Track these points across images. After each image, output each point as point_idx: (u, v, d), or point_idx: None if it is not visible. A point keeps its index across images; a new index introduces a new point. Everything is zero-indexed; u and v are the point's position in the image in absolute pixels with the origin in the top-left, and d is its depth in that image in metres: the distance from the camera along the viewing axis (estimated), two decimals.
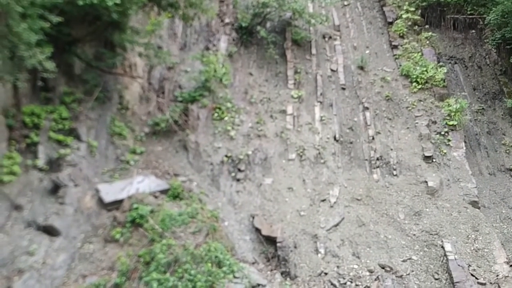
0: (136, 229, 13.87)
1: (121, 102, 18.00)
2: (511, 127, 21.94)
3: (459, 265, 14.57)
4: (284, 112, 19.91)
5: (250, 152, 18.14)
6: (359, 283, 14.43)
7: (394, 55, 23.05)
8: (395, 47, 23.31)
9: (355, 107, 20.82)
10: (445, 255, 15.03)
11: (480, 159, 20.76)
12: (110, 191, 15.04)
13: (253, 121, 19.35)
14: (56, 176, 14.01)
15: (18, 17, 11.01)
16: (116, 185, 15.37)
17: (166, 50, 19.56)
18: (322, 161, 18.54)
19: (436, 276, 14.73)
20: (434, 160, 18.79)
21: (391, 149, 19.24)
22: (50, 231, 13.08)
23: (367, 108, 20.59)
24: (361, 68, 22.25)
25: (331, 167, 18.51)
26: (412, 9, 24.69)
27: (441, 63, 22.69)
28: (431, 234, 16.06)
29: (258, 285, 13.39)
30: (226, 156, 18.01)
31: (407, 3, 25.03)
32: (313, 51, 22.74)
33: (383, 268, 15.02)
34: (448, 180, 18.24)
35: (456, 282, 14.03)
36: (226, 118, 19.07)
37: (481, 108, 22.52)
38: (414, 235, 16.17)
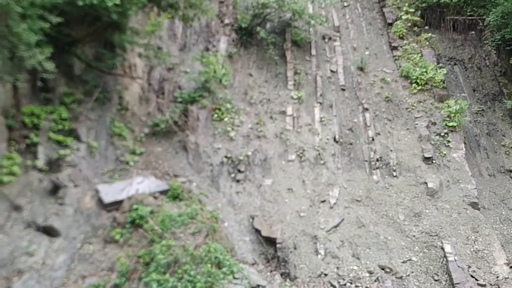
0: (135, 229, 13.86)
1: (121, 103, 17.99)
2: (511, 128, 21.93)
3: (459, 266, 14.56)
4: (284, 113, 19.90)
5: (250, 153, 18.13)
6: (359, 284, 14.41)
7: (394, 56, 23.04)
8: (395, 48, 23.31)
9: (355, 108, 20.82)
10: (445, 256, 15.02)
11: (480, 160, 20.77)
12: (110, 192, 15.02)
13: (253, 122, 19.34)
14: (55, 177, 14.00)
15: (18, 17, 11.01)
16: (115, 185, 15.36)
17: (166, 51, 19.55)
18: (322, 162, 18.54)
19: (436, 277, 14.72)
20: (434, 161, 18.78)
21: (391, 150, 19.23)
22: (50, 231, 13.07)
23: (366, 109, 20.58)
24: (361, 69, 22.25)
25: (331, 168, 18.51)
26: (412, 10, 24.70)
27: (440, 64, 22.69)
28: (431, 235, 16.05)
29: (258, 286, 13.37)
30: (225, 157, 18.00)
31: (406, 4, 25.04)
32: (313, 52, 22.74)
33: (383, 269, 15.00)
34: (448, 181, 18.23)
35: (456, 284, 14.02)
36: (226, 119, 19.06)
37: (480, 109, 22.53)
38: (414, 236, 16.16)
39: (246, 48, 22.47)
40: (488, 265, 15.30)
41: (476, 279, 14.60)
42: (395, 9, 25.16)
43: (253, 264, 14.88)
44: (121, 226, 14.04)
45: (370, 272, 14.83)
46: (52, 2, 11.82)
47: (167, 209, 14.35)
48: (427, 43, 23.56)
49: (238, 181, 17.56)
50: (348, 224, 16.57)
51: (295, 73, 21.61)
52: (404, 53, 22.94)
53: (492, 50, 24.24)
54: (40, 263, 12.34)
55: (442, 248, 15.39)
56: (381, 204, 17.39)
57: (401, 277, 14.70)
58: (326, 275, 14.71)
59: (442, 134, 19.57)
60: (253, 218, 16.31)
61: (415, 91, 21.11)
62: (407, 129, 19.98)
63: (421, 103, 20.67)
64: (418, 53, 22.67)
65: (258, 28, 21.94)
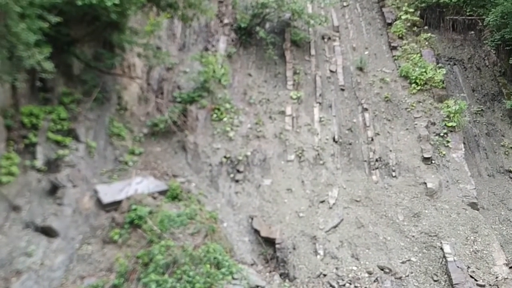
0: (134, 230, 13.85)
1: (119, 103, 17.97)
2: (510, 129, 21.91)
3: (458, 266, 14.55)
4: (283, 113, 19.88)
5: (249, 153, 18.11)
6: (358, 285, 14.40)
7: (393, 56, 23.01)
8: (394, 48, 23.28)
9: (354, 108, 20.80)
10: (444, 256, 15.01)
11: (479, 160, 20.75)
12: (109, 192, 15.01)
13: (252, 122, 19.32)
14: (54, 177, 13.98)
15: (16, 17, 11.00)
16: (114, 186, 15.34)
17: (165, 51, 19.52)
18: (321, 162, 18.52)
19: (435, 278, 14.71)
20: (433, 161, 18.77)
21: (390, 151, 19.21)
22: (48, 232, 13.05)
23: (366, 109, 20.57)
24: (360, 69, 22.23)
25: (330, 168, 18.49)
26: (411, 10, 24.67)
27: (440, 64, 22.67)
28: (430, 236, 16.04)
29: (257, 286, 13.38)
30: (225, 157, 17.98)
31: (406, 4, 25.00)
32: (312, 52, 22.72)
33: (382, 269, 15.00)
34: (447, 181, 18.22)
35: (455, 284, 14.01)
36: (225, 119, 19.04)
37: (480, 109, 22.51)
38: (413, 236, 16.15)
39: (246, 48, 22.44)
40: (487, 266, 15.30)
41: (475, 280, 14.59)
42: (395, 9, 25.13)
43: (252, 264, 14.86)
44: (120, 226, 14.02)
45: (369, 273, 14.82)
46: (51, 1, 11.81)
47: (166, 210, 14.34)
48: (426, 43, 23.54)
49: (237, 181, 17.54)
50: (347, 224, 16.56)
51: (295, 73, 21.59)
52: (404, 53, 22.91)
53: (492, 50, 24.22)
54: (38, 263, 12.33)
55: (442, 249, 15.38)
56: (380, 205, 17.38)
57: (400, 278, 14.69)
58: (325, 275, 14.71)
59: (442, 134, 19.56)
60: (252, 219, 16.29)
61: (414, 91, 21.10)
62: (407, 129, 19.96)
63: (421, 103, 20.65)
64: (417, 53, 22.65)
65: (258, 28, 21.91)
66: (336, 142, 19.47)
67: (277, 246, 15.19)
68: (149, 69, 19.95)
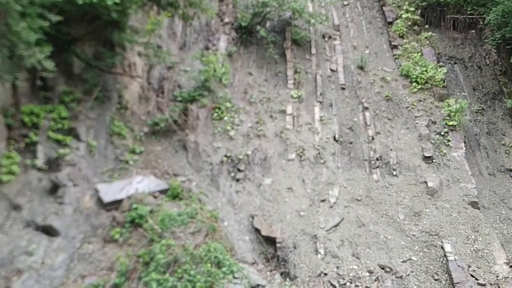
0: (135, 229, 13.84)
1: (120, 102, 17.96)
2: (511, 128, 21.89)
3: (459, 266, 14.55)
4: (283, 112, 19.88)
5: (249, 152, 18.11)
6: (359, 284, 14.40)
7: (394, 55, 23.01)
8: (395, 47, 23.27)
9: (355, 107, 20.79)
10: (445, 255, 15.01)
11: (480, 159, 20.74)
12: (109, 191, 15.00)
13: (253, 121, 19.31)
14: (55, 176, 13.97)
15: (17, 16, 10.98)
16: (115, 185, 15.34)
17: (165, 50, 19.51)
18: (321, 161, 18.51)
19: (436, 277, 14.71)
20: (434, 160, 18.76)
21: (391, 149, 19.21)
22: (49, 231, 13.04)
23: (366, 108, 20.56)
24: (361, 68, 22.22)
25: (330, 167, 18.49)
26: (412, 9, 24.65)
27: (441, 63, 22.65)
28: (431, 235, 16.04)
29: (258, 285, 13.37)
30: (225, 156, 17.98)
31: (407, 3, 24.98)
32: (313, 51, 22.70)
33: (383, 268, 14.99)
34: (448, 180, 18.21)
35: (456, 283, 14.01)
36: (225, 118, 19.03)
37: (481, 108, 22.49)
38: (414, 235, 16.15)
39: (246, 47, 22.43)
40: (488, 265, 15.29)
41: (476, 279, 14.59)
42: (395, 7, 25.12)
43: (253, 263, 14.85)
44: (121, 225, 14.01)
45: (370, 272, 14.82)
46: (51, 0, 11.80)
47: (166, 209, 14.33)
48: (427, 42, 23.53)
49: (237, 180, 17.55)
50: (348, 223, 16.56)
51: (295, 72, 21.58)
52: (404, 52, 22.90)
53: (492, 49, 24.20)
54: (39, 262, 12.31)
55: (442, 248, 15.38)
56: (381, 204, 17.38)
57: (401, 277, 14.69)
58: (326, 274, 14.71)
59: (442, 133, 19.55)
60: (253, 218, 16.29)
61: (415, 90, 21.09)
62: (407, 128, 19.95)
63: (421, 102, 20.65)
64: (418, 52, 22.64)
65: (258, 27, 21.91)
66: (336, 141, 19.47)
67: (277, 245, 15.20)
68: (149, 68, 19.95)
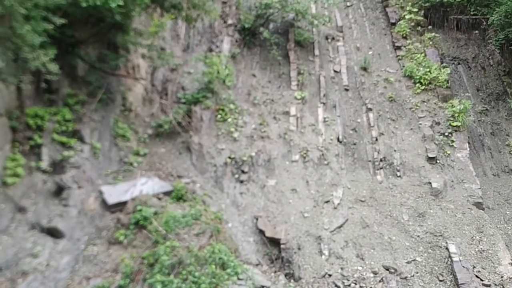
0: (139, 231, 13.86)
1: (124, 104, 18.00)
2: None
3: (463, 266, 14.52)
4: (287, 113, 19.89)
5: (253, 154, 18.12)
6: (364, 285, 14.38)
7: (397, 56, 22.99)
8: (398, 48, 23.26)
9: (359, 108, 20.78)
10: (450, 256, 14.98)
11: (484, 160, 20.68)
12: (114, 193, 15.03)
13: (256, 122, 19.32)
14: (59, 178, 14.01)
15: (21, 19, 11.03)
16: (119, 187, 15.37)
17: (169, 52, 19.56)
18: (325, 162, 18.51)
19: (441, 278, 14.67)
20: (438, 161, 18.73)
21: (395, 150, 19.19)
22: (54, 233, 13.08)
23: (370, 109, 20.54)
24: (364, 69, 22.21)
25: (334, 168, 18.48)
26: (415, 9, 24.63)
27: (444, 64, 22.62)
28: (435, 236, 16.01)
29: (262, 286, 13.38)
30: (229, 157, 18.00)
31: (410, 3, 24.97)
32: (316, 52, 22.72)
33: (387, 269, 14.97)
34: (452, 181, 18.18)
35: (461, 284, 13.98)
36: (229, 120, 19.05)
37: (484, 109, 22.45)
38: (418, 236, 16.12)
39: (249, 49, 22.46)
40: (493, 265, 15.25)
41: (481, 279, 14.54)
42: (398, 8, 25.10)
43: (257, 265, 14.86)
44: (125, 227, 14.03)
45: (375, 273, 14.79)
46: (55, 3, 11.82)
47: (171, 210, 14.34)
48: (430, 42, 23.51)
49: (241, 181, 17.56)
50: (352, 224, 16.54)
51: (299, 73, 21.59)
52: (408, 52, 22.88)
53: (496, 50, 24.14)
54: (44, 264, 12.35)
55: (447, 249, 15.35)
56: (385, 204, 17.36)
57: (405, 278, 14.66)
58: (330, 275, 14.70)
59: (446, 134, 19.52)
60: (257, 219, 16.29)
61: (418, 91, 21.07)
62: (411, 129, 19.93)
63: (425, 103, 20.63)
64: (421, 53, 22.62)
65: (261, 29, 21.95)
66: (340, 142, 19.46)
67: (282, 246, 15.20)
68: (153, 70, 20.01)
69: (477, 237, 16.14)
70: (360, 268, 15.01)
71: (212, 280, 12.27)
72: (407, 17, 24.33)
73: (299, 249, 15.31)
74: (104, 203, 14.76)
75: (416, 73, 21.52)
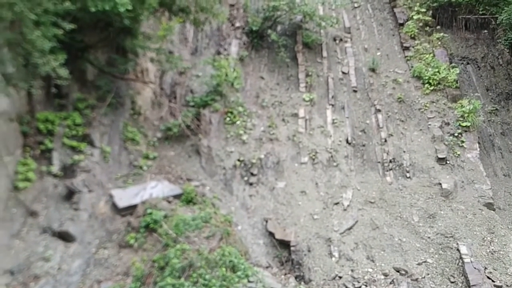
0: (150, 234, 13.91)
1: (133, 108, 18.09)
2: None
3: (475, 268, 14.43)
4: (296, 115, 19.89)
5: (262, 156, 18.14)
6: (374, 287, 14.32)
7: (406, 56, 22.91)
8: (407, 48, 23.18)
9: (367, 109, 20.73)
10: (461, 258, 14.89)
11: (494, 160, 20.55)
12: (124, 197, 15.10)
13: (265, 124, 19.34)
14: (70, 182, 14.10)
15: (31, 24, 11.12)
16: (129, 190, 15.43)
17: (177, 55, 19.62)
18: (334, 164, 18.48)
19: (452, 279, 14.59)
20: (447, 162, 18.64)
21: (404, 151, 19.12)
22: (65, 237, 13.17)
23: (379, 111, 20.49)
24: (373, 70, 22.16)
25: (343, 170, 18.45)
26: (423, 10, 24.52)
27: (453, 64, 22.51)
28: (446, 237, 15.93)
29: None
30: (238, 160, 18.02)
31: (418, 4, 24.86)
32: (324, 53, 22.71)
33: (398, 271, 14.91)
34: (462, 182, 18.08)
35: (473, 285, 13.88)
36: (238, 122, 19.09)
37: (494, 108, 22.31)
38: (429, 238, 16.04)
39: (257, 51, 22.49)
40: (505, 266, 15.14)
41: (492, 281, 14.42)
42: (406, 9, 25.01)
43: (267, 267, 14.84)
44: (136, 230, 14.09)
45: (385, 275, 14.74)
46: (65, 9, 11.90)
47: (181, 213, 14.39)
48: (439, 42, 23.40)
49: (251, 184, 17.57)
50: (362, 226, 16.50)
51: (307, 75, 21.59)
52: (416, 53, 22.80)
53: (505, 49, 23.99)
54: (56, 268, 12.44)
55: (458, 250, 15.25)
56: (395, 206, 17.30)
57: (416, 279, 14.58)
58: (340, 277, 14.65)
59: (456, 134, 19.42)
60: (266, 221, 16.29)
61: (427, 91, 20.98)
62: (420, 129, 19.85)
63: (434, 104, 20.54)
64: (430, 53, 22.53)
65: (269, 31, 21.98)
66: (349, 143, 19.42)
67: (292, 248, 15.19)
68: (162, 73, 20.08)
69: (488, 238, 16.04)
70: (370, 270, 14.96)
71: (223, 282, 12.28)
72: (415, 17, 24.24)
73: (309, 251, 15.30)
74: (114, 206, 14.83)
75: (425, 74, 21.43)
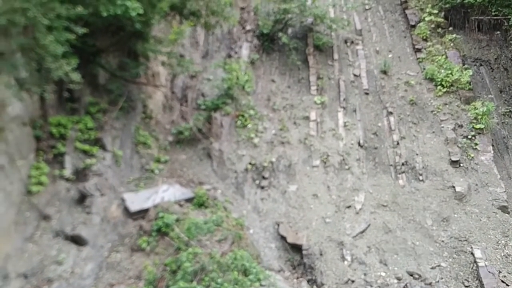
0: (162, 237, 13.94)
1: (145, 111, 18.17)
2: None
3: (489, 271, 14.27)
4: (307, 118, 19.84)
5: (274, 159, 18.11)
6: None
7: (418, 58, 22.75)
8: (419, 50, 23.02)
9: (379, 112, 20.61)
10: (475, 261, 14.73)
11: (508, 163, 20.28)
12: (136, 200, 15.14)
13: (277, 128, 19.31)
14: (82, 186, 14.17)
15: (44, 29, 11.19)
16: (141, 194, 15.48)
17: (188, 59, 19.69)
18: (346, 167, 18.40)
19: (466, 284, 14.43)
20: (461, 164, 18.46)
21: (417, 154, 18.98)
22: (78, 240, 13.23)
23: (391, 113, 20.37)
24: (384, 72, 22.04)
25: (355, 173, 18.35)
26: (435, 11, 24.34)
27: (466, 66, 22.29)
28: (460, 241, 15.77)
29: None
30: (250, 163, 18.00)
31: (430, 5, 24.68)
32: (335, 56, 22.63)
33: (411, 275, 14.78)
34: (476, 184, 17.89)
35: None
36: (249, 126, 19.07)
37: (508, 110, 22.03)
38: (443, 241, 15.89)
39: (268, 54, 22.48)
40: None
41: (507, 285, 14.23)
42: (418, 10, 24.85)
43: (279, 271, 14.81)
44: (148, 234, 14.13)
45: (398, 279, 14.62)
46: (77, 13, 11.96)
47: (192, 217, 14.41)
48: (451, 44, 23.21)
49: (262, 187, 17.54)
50: (375, 229, 16.39)
51: (318, 78, 21.53)
52: (428, 55, 22.64)
53: None
54: (69, 271, 12.50)
55: (472, 253, 15.09)
56: (407, 209, 17.16)
57: (430, 284, 14.45)
58: (353, 281, 14.56)
59: (469, 136, 19.24)
60: (278, 225, 16.25)
61: (440, 93, 20.81)
62: (433, 132, 19.69)
63: (447, 106, 20.37)
64: (442, 55, 22.34)
65: (280, 34, 21.96)
66: (361, 146, 19.32)
67: (304, 252, 15.14)
68: (173, 77, 20.17)
69: (503, 242, 15.85)
70: (383, 274, 14.85)
71: (235, 286, 12.27)
72: (427, 19, 24.06)
73: (321, 255, 15.22)
74: (126, 210, 14.88)
75: (437, 76, 21.26)
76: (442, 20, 24.35)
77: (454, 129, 19.48)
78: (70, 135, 14.63)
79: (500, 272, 14.63)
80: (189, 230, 13.72)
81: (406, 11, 24.98)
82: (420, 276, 14.70)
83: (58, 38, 11.62)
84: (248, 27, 23.14)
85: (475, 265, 14.72)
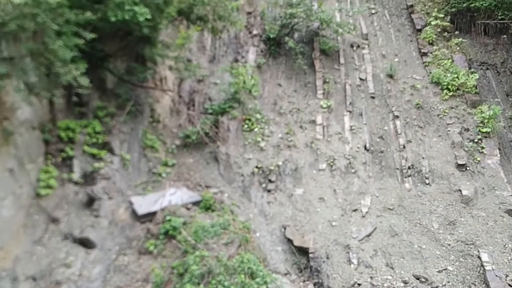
0: (169, 241, 14.02)
1: (152, 115, 18.27)
2: None
3: (496, 275, 14.25)
4: (313, 122, 19.90)
5: (280, 163, 18.17)
6: None
7: (424, 62, 22.77)
8: (425, 54, 23.04)
9: (385, 115, 20.64)
10: (482, 265, 14.72)
11: None
12: (143, 204, 15.24)
13: (283, 131, 19.38)
14: (90, 189, 14.28)
15: (53, 35, 11.32)
16: (149, 197, 15.58)
17: (195, 63, 19.82)
18: (352, 170, 18.43)
19: (473, 287, 14.42)
20: (467, 168, 18.45)
21: (423, 158, 18.98)
22: (86, 243, 13.34)
23: (397, 117, 20.39)
24: (390, 76, 22.07)
25: (362, 176, 18.38)
26: (441, 15, 24.37)
27: (472, 69, 22.30)
28: (466, 244, 15.75)
29: None
30: (256, 167, 18.07)
31: (436, 9, 24.73)
32: (342, 60, 22.68)
33: (418, 279, 14.77)
34: (483, 188, 17.88)
35: None
36: (256, 129, 19.15)
37: None
38: (449, 245, 15.88)
39: (275, 58, 22.57)
40: None
41: None
42: (424, 14, 24.88)
43: (286, 274, 14.85)
44: (155, 237, 14.21)
45: (405, 282, 14.61)
46: (86, 19, 12.11)
47: (199, 220, 14.48)
48: (457, 48, 23.23)
49: (269, 191, 17.60)
50: (381, 233, 16.40)
51: (324, 82, 21.59)
52: (434, 59, 22.65)
53: None
54: (77, 274, 12.60)
55: (479, 257, 15.07)
56: (414, 213, 17.16)
57: (437, 287, 14.44)
58: (359, 285, 14.57)
59: (476, 140, 19.23)
60: (285, 228, 16.30)
61: (446, 97, 20.82)
62: (439, 136, 19.69)
63: (453, 109, 20.37)
64: (448, 59, 22.36)
65: (286, 38, 22.05)
66: (367, 150, 19.35)
67: (310, 255, 15.18)
68: (180, 81, 20.27)
69: (510, 245, 15.81)
70: (390, 277, 14.85)
71: None
72: (433, 23, 24.09)
73: (327, 258, 15.25)
74: (134, 213, 14.99)
75: (444, 79, 21.26)
76: (448, 24, 24.37)
77: (460, 133, 19.48)
78: (79, 139, 14.77)
79: (507, 275, 14.59)
80: (196, 233, 13.79)
81: (412, 15, 25.02)
82: (426, 279, 14.68)
83: (67, 43, 11.76)
84: (254, 32, 23.24)
85: (482, 268, 14.71)
